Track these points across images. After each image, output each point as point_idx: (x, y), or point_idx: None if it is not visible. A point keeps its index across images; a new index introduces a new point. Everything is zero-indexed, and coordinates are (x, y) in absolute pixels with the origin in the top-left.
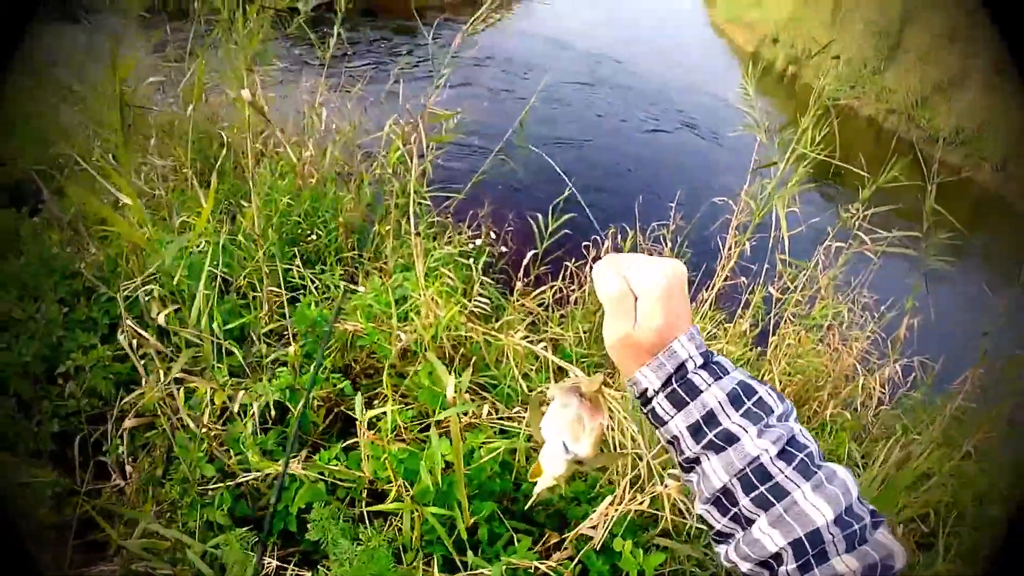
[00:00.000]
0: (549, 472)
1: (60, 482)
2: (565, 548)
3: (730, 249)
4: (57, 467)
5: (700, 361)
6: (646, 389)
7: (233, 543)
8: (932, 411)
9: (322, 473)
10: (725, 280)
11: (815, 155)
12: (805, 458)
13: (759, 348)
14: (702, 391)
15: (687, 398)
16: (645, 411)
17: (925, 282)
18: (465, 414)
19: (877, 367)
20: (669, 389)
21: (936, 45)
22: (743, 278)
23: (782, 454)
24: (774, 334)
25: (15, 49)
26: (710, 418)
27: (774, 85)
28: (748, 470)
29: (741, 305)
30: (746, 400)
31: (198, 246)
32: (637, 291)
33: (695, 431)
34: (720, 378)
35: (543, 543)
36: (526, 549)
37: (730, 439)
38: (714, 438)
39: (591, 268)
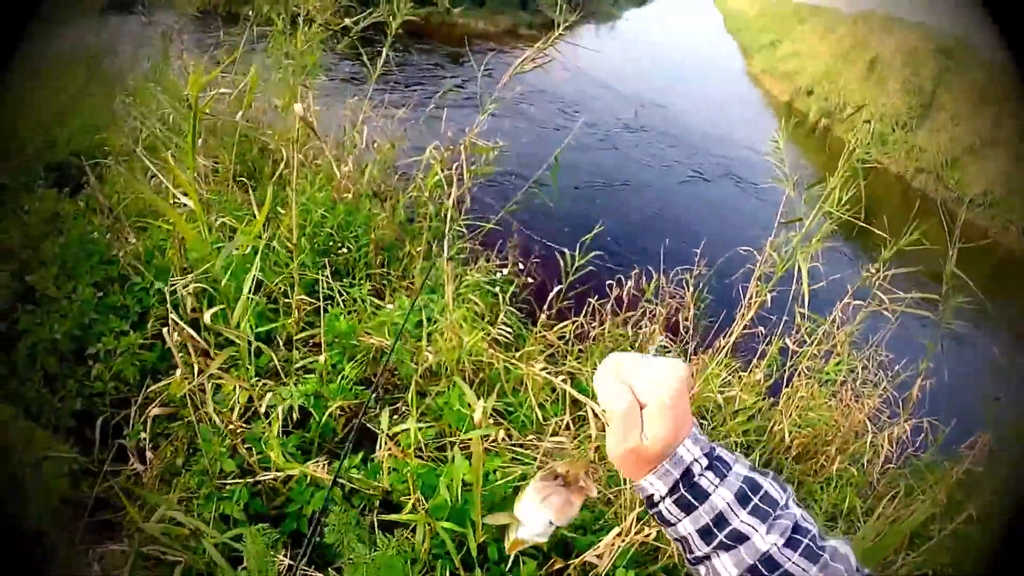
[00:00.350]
0: (530, 541)
1: (78, 459)
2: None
3: (751, 299)
4: (75, 445)
5: (705, 463)
6: (652, 495)
7: (256, 537)
8: (939, 473)
9: (338, 481)
10: (744, 329)
11: (841, 215)
12: (809, 542)
13: (772, 399)
14: (710, 494)
15: (695, 502)
16: (651, 512)
17: (941, 344)
18: (486, 437)
19: (887, 425)
20: (677, 495)
21: (968, 106)
22: (761, 328)
23: (789, 543)
24: (787, 386)
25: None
26: (719, 520)
27: (806, 137)
28: (758, 562)
29: (757, 355)
30: (753, 497)
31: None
32: (644, 399)
33: (705, 533)
34: (725, 476)
35: (548, 567)
36: (531, 571)
37: (740, 538)
38: (724, 539)
39: (612, 306)
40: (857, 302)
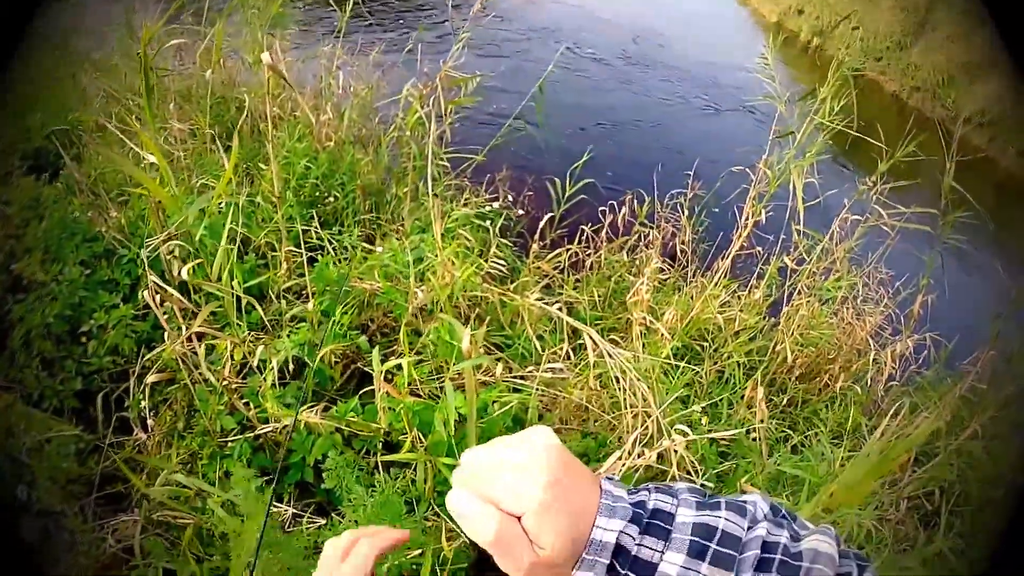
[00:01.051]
0: None
1: (83, 437)
2: None
3: (746, 219)
4: (80, 423)
5: (637, 530)
6: None
7: (248, 488)
8: (942, 390)
9: (339, 427)
10: (740, 249)
11: (834, 125)
12: (783, 558)
13: (772, 319)
14: (656, 565)
15: None
16: None
17: (941, 259)
18: (480, 369)
19: (890, 342)
20: None
21: (965, 26)
22: (759, 248)
23: (761, 568)
24: (787, 305)
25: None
26: None
27: (797, 57)
28: None
29: (755, 275)
30: (710, 544)
31: (218, 206)
32: (517, 509)
33: None
34: (670, 533)
35: None
36: None
37: None
38: None
39: (607, 233)
40: (855, 217)
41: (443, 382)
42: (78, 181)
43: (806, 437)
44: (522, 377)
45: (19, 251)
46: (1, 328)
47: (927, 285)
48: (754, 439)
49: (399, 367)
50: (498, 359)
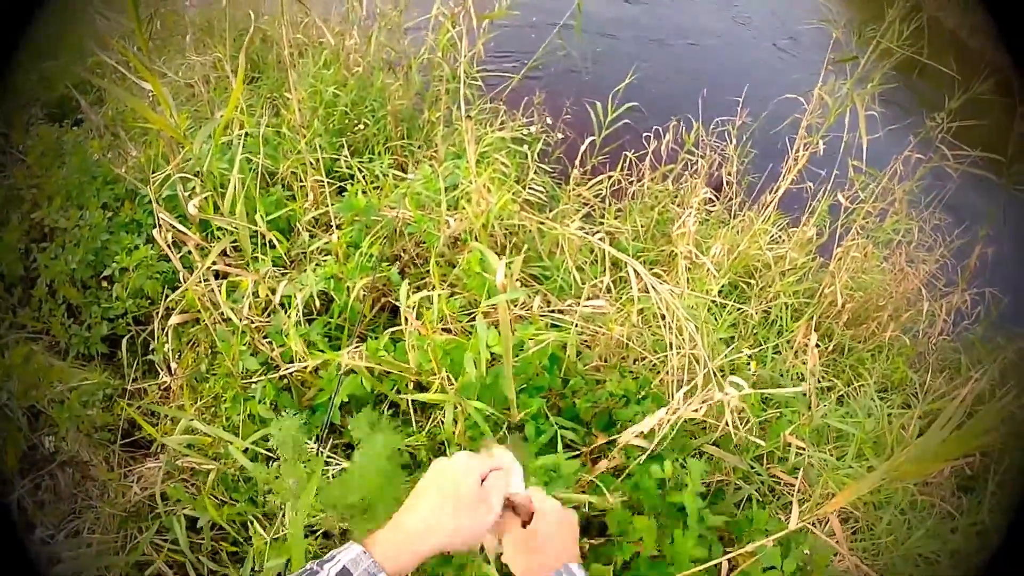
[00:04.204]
0: None
1: (110, 383)
2: (612, 458)
3: (798, 151)
4: (108, 369)
5: None
6: None
7: (287, 423)
8: (993, 350)
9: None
10: (791, 184)
11: (902, 51)
12: None
13: (822, 258)
14: None
15: None
16: None
17: (1003, 211)
18: (515, 303)
19: (942, 294)
20: None
21: None
22: (810, 183)
23: None
24: (839, 245)
25: None
26: None
27: None
28: None
29: (807, 211)
30: None
31: (239, 137)
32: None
33: None
34: None
35: (590, 446)
36: (572, 472)
37: None
38: None
39: (650, 160)
40: (918, 156)
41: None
42: (95, 123)
43: (851, 387)
44: (560, 312)
45: (41, 200)
46: (27, 278)
47: (986, 236)
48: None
49: (430, 301)
50: (535, 292)
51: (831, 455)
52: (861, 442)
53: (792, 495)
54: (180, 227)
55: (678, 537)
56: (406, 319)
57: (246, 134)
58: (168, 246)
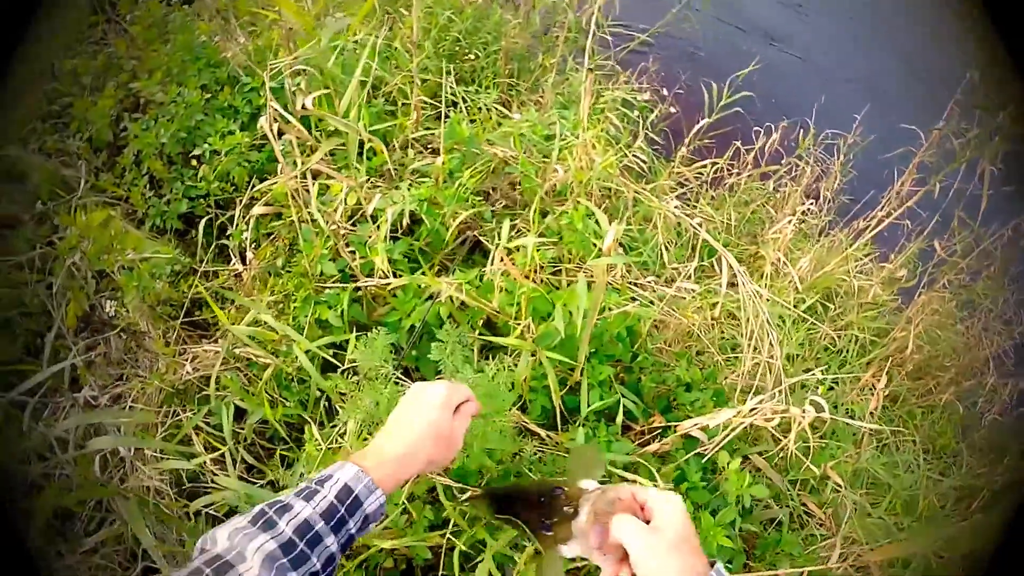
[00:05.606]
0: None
1: (180, 260)
2: (666, 443)
3: (903, 184)
4: (179, 246)
5: None
6: None
7: (378, 341)
8: None
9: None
10: (888, 215)
11: None
12: None
13: (901, 300)
14: None
15: None
16: None
17: None
18: (611, 268)
19: (1009, 372)
20: None
21: None
22: (908, 221)
23: None
24: (921, 292)
25: None
26: None
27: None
28: None
29: (897, 248)
30: None
31: (352, 44)
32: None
33: None
34: None
35: (649, 423)
36: (625, 452)
37: None
38: None
39: (756, 155)
40: None
41: (562, 272)
42: (208, 6)
43: (896, 437)
44: (640, 286)
45: (140, 72)
46: (114, 145)
47: None
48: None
49: (519, 248)
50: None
51: (862, 497)
52: (895, 495)
53: (816, 528)
54: (291, 118)
55: (708, 528)
56: (500, 259)
57: (362, 43)
58: (274, 137)
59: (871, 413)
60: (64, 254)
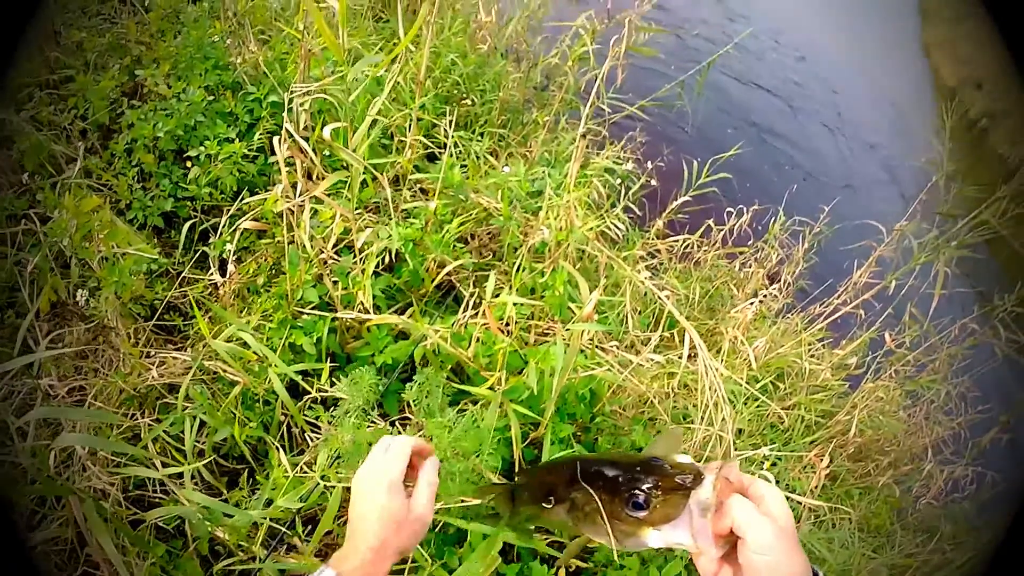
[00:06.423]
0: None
1: (159, 260)
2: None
3: (862, 276)
4: (156, 244)
5: None
6: None
7: (365, 376)
8: (972, 529)
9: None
10: (843, 304)
11: (999, 229)
12: None
13: (849, 384)
14: None
15: None
16: None
17: None
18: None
19: (946, 460)
20: None
21: None
22: (862, 311)
23: None
24: (868, 379)
25: None
26: None
27: (961, 132)
28: None
29: (849, 336)
30: None
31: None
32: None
33: None
34: None
35: None
36: None
37: None
38: None
39: (725, 234)
40: (973, 326)
41: (533, 327)
42: (225, 6)
43: (833, 514)
44: (603, 349)
45: (147, 59)
46: (107, 128)
47: (1007, 423)
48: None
49: (496, 295)
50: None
51: None
52: (829, 569)
53: None
54: (307, 145)
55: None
56: (483, 312)
57: (380, 78)
58: (282, 157)
59: (812, 490)
60: (55, 234)
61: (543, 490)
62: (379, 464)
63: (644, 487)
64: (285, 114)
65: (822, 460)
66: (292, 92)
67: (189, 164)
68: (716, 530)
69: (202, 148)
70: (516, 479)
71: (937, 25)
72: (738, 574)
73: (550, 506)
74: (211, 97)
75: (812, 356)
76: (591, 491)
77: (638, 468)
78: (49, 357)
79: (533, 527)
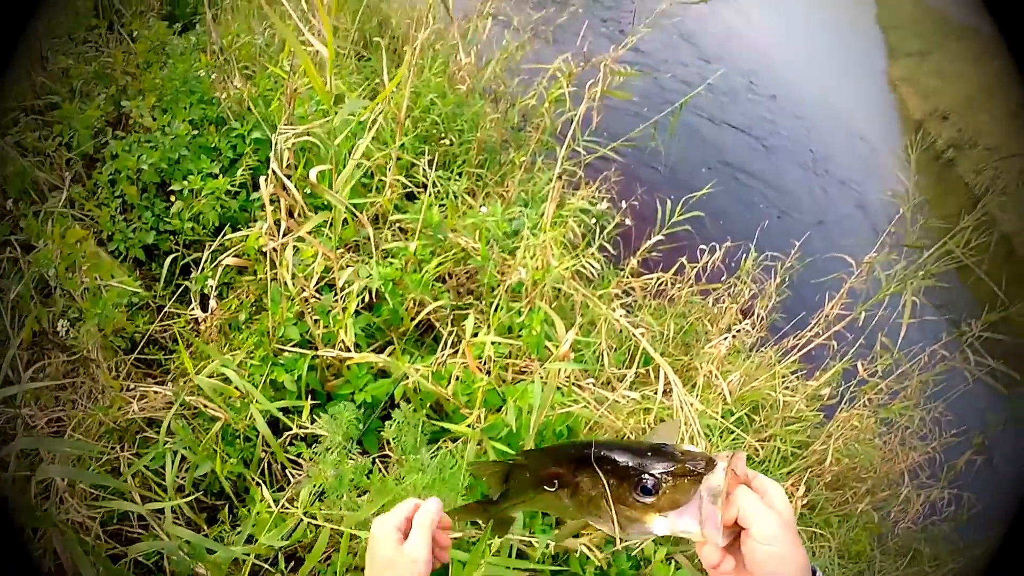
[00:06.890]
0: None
1: (140, 293)
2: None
3: (833, 308)
4: (136, 277)
5: None
6: None
7: (345, 412)
8: (952, 551)
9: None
10: (816, 336)
11: (964, 258)
12: None
13: (824, 414)
14: None
15: None
16: None
17: (1004, 426)
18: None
19: (922, 484)
20: None
21: None
22: (835, 343)
23: None
24: (844, 409)
25: None
26: None
27: (928, 163)
28: None
29: (823, 367)
30: None
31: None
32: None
33: None
34: None
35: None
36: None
37: None
38: None
39: (699, 271)
40: (943, 352)
41: (511, 366)
42: (211, 40)
43: (813, 542)
44: (579, 387)
45: (132, 90)
46: (90, 158)
47: (980, 445)
48: None
49: (475, 334)
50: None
51: None
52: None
53: None
54: (292, 186)
55: None
56: (462, 352)
57: (364, 121)
58: (268, 197)
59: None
60: (39, 264)
61: (547, 472)
62: (384, 514)
63: (655, 471)
64: (272, 154)
65: (799, 490)
66: (280, 133)
67: (172, 198)
68: (723, 520)
69: (185, 182)
70: (518, 459)
71: (902, 60)
72: (740, 564)
73: (553, 489)
74: (195, 131)
75: (786, 388)
76: (600, 474)
77: (649, 453)
78: (31, 395)
79: (514, 516)
